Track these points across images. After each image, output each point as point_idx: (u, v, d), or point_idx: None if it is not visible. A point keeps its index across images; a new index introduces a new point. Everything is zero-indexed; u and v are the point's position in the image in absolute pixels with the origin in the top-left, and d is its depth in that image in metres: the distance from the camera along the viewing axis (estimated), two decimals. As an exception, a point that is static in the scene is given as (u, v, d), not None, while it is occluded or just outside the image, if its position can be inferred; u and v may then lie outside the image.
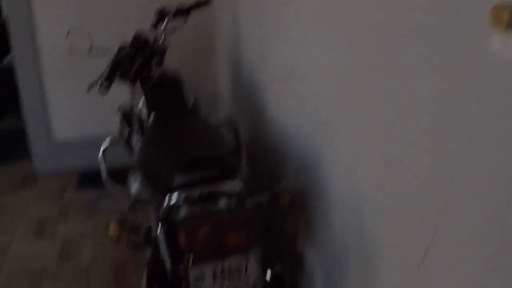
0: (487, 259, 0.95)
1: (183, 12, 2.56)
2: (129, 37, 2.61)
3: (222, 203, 1.68)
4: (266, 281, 1.70)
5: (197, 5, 2.58)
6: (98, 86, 2.54)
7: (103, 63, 3.20)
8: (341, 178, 1.65)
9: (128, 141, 2.86)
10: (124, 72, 2.52)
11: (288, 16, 2.01)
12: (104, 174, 2.82)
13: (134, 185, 2.52)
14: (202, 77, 3.32)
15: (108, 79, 2.53)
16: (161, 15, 2.57)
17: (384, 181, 1.35)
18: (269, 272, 1.71)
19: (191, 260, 1.56)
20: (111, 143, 2.84)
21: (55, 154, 3.45)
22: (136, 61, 2.50)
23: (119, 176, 2.71)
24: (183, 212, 1.64)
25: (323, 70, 1.72)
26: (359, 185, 1.51)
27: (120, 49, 2.56)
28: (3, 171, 3.56)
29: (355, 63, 1.46)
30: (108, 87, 2.55)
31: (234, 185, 1.70)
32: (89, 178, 3.38)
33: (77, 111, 3.43)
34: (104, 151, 2.77)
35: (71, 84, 3.33)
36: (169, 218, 1.69)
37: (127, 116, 2.99)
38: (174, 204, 1.67)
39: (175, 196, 1.67)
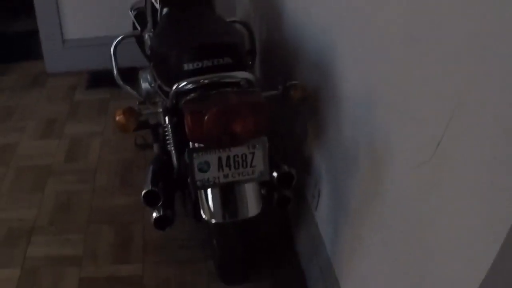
0: (503, 157, 0.83)
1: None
2: None
3: (231, 91, 1.57)
4: (273, 176, 1.61)
5: None
6: None
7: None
8: (355, 75, 1.52)
9: (140, 39, 2.75)
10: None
11: None
12: (114, 71, 2.72)
13: (144, 84, 2.44)
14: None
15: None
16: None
17: (397, 75, 1.22)
18: (275, 173, 1.63)
19: (196, 147, 1.47)
20: (123, 38, 2.73)
21: (66, 53, 3.35)
22: None
23: (130, 76, 2.64)
24: (190, 98, 1.53)
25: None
26: (372, 81, 1.39)
27: None
28: (15, 71, 3.49)
29: None
30: None
31: (245, 74, 1.58)
32: (99, 78, 3.29)
33: (89, 11, 3.29)
34: (115, 47, 2.66)
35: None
36: (175, 106, 1.59)
37: (141, 15, 2.87)
38: (181, 91, 1.56)
39: (182, 83, 1.55)
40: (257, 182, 1.57)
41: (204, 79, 1.55)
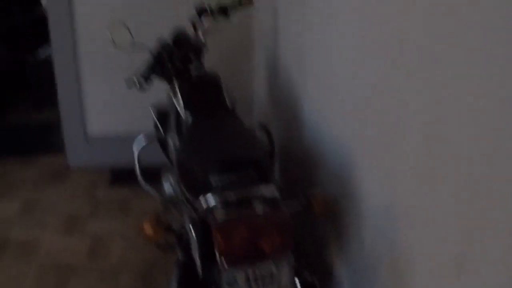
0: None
1: (224, 11, 2.50)
2: (167, 34, 2.57)
3: (257, 207, 1.61)
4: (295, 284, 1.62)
5: (239, 4, 2.51)
6: (135, 82, 2.52)
7: (141, 59, 3.21)
8: (377, 187, 1.57)
9: (162, 140, 2.82)
10: (162, 70, 2.48)
11: (329, 21, 1.94)
12: (137, 172, 2.79)
13: (167, 185, 2.49)
14: (238, 79, 3.25)
15: (145, 76, 2.50)
16: (201, 12, 2.51)
17: (420, 191, 1.27)
18: (297, 280, 1.65)
19: (224, 263, 1.49)
20: (146, 141, 2.80)
21: (88, 149, 3.43)
22: (175, 59, 2.46)
23: (153, 175, 2.70)
24: (218, 214, 1.57)
25: (363, 76, 1.64)
26: (394, 195, 1.44)
27: (159, 45, 2.53)
28: (37, 164, 3.55)
29: (397, 67, 1.38)
30: (145, 84, 2.53)
31: (270, 189, 1.63)
32: (121, 175, 3.35)
33: (113, 107, 3.41)
34: (138, 149, 2.74)
35: (108, 79, 3.32)
36: (203, 219, 1.63)
37: (162, 115, 2.96)
38: (208, 205, 1.60)
39: (210, 197, 1.60)
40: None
41: (230, 195, 1.60)
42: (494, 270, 0.98)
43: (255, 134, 2.17)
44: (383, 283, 1.54)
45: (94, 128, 3.42)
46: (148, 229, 1.71)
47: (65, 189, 3.25)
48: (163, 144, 2.98)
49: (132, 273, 2.52)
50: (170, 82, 2.51)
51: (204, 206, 1.62)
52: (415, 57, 1.27)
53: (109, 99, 3.38)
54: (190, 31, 2.54)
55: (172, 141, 2.42)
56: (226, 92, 2.35)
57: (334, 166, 1.92)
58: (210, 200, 1.61)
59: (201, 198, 1.63)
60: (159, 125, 2.98)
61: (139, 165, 2.76)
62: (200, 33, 2.49)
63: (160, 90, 2.94)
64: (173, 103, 2.40)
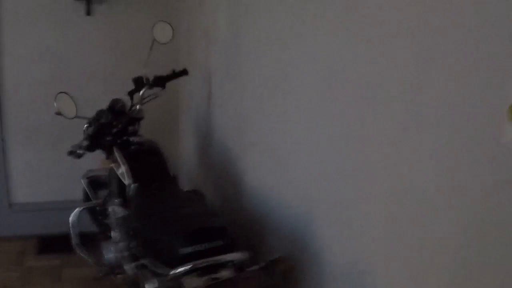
0: None
1: (160, 81, 2.61)
2: (101, 106, 2.64)
3: (225, 272, 1.71)
4: None
5: (175, 75, 2.63)
6: (74, 153, 2.56)
7: (65, 129, 3.24)
8: (336, 244, 1.71)
9: (93, 209, 2.85)
10: (102, 140, 2.54)
11: (274, 92, 2.11)
12: (73, 239, 2.78)
13: (108, 254, 2.50)
14: (165, 144, 3.37)
15: (85, 146, 2.55)
16: (138, 84, 2.61)
17: (382, 252, 1.42)
18: None
19: None
20: (82, 210, 2.81)
21: (13, 217, 3.34)
22: (113, 128, 2.53)
23: (87, 241, 2.71)
24: (190, 282, 1.65)
25: (311, 142, 1.81)
26: (357, 251, 1.58)
27: (98, 116, 2.58)
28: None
29: (346, 136, 1.56)
30: (84, 154, 2.58)
31: (238, 256, 1.73)
32: (49, 243, 3.30)
33: (38, 174, 3.38)
34: (73, 216, 2.74)
35: (32, 148, 3.30)
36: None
37: (94, 184, 2.99)
38: (180, 273, 1.67)
39: (181, 268, 1.67)
40: None
41: (202, 263, 1.69)
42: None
43: (210, 206, 2.27)
44: None
45: (18, 195, 3.35)
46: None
47: (-9, 260, 3.14)
48: (94, 213, 3.00)
49: None
50: (110, 152, 2.56)
51: (174, 275, 1.69)
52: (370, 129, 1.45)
53: (33, 167, 3.35)
54: (128, 101, 2.63)
55: (114, 209, 2.46)
56: (166, 159, 2.45)
57: (286, 228, 2.04)
58: (182, 269, 1.68)
59: (172, 271, 1.69)
60: (89, 192, 3.00)
61: (76, 236, 2.75)
62: (138, 102, 2.58)
63: (85, 159, 3.00)
64: (113, 172, 2.45)
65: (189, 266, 1.68)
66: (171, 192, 2.29)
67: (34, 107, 3.23)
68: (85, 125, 2.70)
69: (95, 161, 3.11)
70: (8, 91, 3.18)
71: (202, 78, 2.99)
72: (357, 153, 1.52)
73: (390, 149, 1.37)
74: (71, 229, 2.75)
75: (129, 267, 2.33)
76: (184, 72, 2.67)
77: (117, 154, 2.44)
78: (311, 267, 1.88)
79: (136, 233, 1.99)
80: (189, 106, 3.35)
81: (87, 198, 3.05)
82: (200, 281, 1.70)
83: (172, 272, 1.69)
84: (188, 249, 1.74)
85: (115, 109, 2.62)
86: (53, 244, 3.29)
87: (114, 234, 2.53)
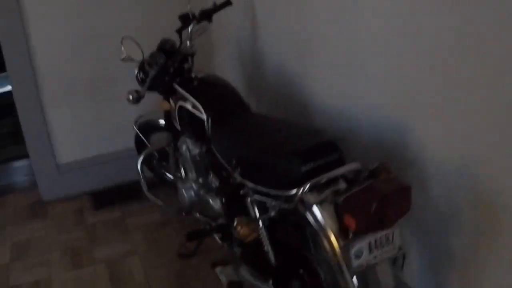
0: None
1: (207, 15, 2.55)
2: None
3: (343, 184, 1.70)
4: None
5: (220, 6, 2.57)
6: (132, 99, 2.52)
7: (99, 83, 3.17)
8: (438, 147, 1.74)
9: (148, 154, 2.83)
10: (162, 80, 2.50)
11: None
12: (144, 187, 2.77)
13: (188, 192, 2.50)
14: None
15: (143, 90, 2.52)
16: (185, 20, 2.54)
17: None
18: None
19: (354, 238, 1.56)
20: (149, 154, 2.80)
21: (61, 178, 3.30)
22: (169, 68, 2.48)
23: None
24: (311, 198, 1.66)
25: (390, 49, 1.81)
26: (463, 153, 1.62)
27: (150, 59, 2.53)
28: (8, 204, 3.36)
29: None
30: (142, 98, 2.55)
31: (354, 166, 1.72)
32: (102, 198, 3.28)
33: (79, 132, 3.31)
34: (142, 163, 2.73)
35: (71, 106, 3.22)
36: (297, 209, 1.70)
37: (147, 128, 2.95)
38: (304, 192, 1.66)
39: (307, 185, 1.66)
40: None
41: (327, 177, 1.69)
42: None
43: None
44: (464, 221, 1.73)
45: (64, 156, 3.29)
46: (243, 229, 1.76)
47: (50, 223, 3.10)
48: (149, 158, 2.98)
49: (165, 284, 2.50)
50: (169, 92, 2.52)
51: (299, 195, 1.68)
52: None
53: (74, 125, 3.27)
54: (177, 39, 2.56)
55: (188, 147, 2.43)
56: (236, 89, 2.42)
57: (377, 138, 2.04)
58: (305, 189, 1.65)
59: (295, 190, 1.68)
60: (142, 137, 2.97)
61: (145, 181, 2.75)
62: (187, 39, 2.52)
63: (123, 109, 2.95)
64: (183, 110, 2.39)
65: (315, 182, 1.67)
66: (258, 118, 2.28)
67: (65, 66, 3.13)
68: (136, 71, 2.65)
69: (135, 109, 3.08)
70: (38, 52, 3.06)
71: (243, 10, 2.92)
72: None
73: None
74: (140, 176, 2.73)
75: (215, 202, 2.34)
76: (228, 3, 2.61)
77: (182, 92, 2.40)
78: (413, 170, 1.91)
79: (239, 163, 1.96)
80: (228, 40, 3.27)
81: (139, 143, 3.03)
82: (323, 195, 1.69)
83: (296, 191, 1.68)
84: (309, 166, 1.73)
85: (166, 49, 2.56)
86: (108, 197, 3.28)
87: (189, 173, 2.52)
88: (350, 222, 1.53)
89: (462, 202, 1.72)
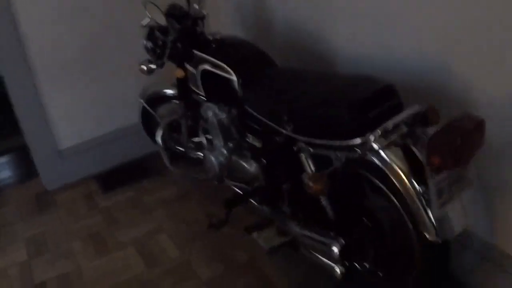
0: None
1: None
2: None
3: (404, 128, 1.67)
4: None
5: None
6: (146, 69, 2.44)
7: (93, 62, 3.00)
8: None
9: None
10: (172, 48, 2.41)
11: None
12: (166, 161, 2.68)
13: (216, 158, 2.40)
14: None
15: (159, 58, 2.42)
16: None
17: None
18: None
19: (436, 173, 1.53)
20: (165, 129, 2.69)
21: (64, 164, 3.12)
22: (183, 33, 2.38)
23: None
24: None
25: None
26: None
27: (159, 27, 2.42)
28: (13, 197, 3.17)
29: None
30: (157, 68, 2.46)
31: (417, 108, 1.68)
32: (110, 179, 3.15)
33: (78, 114, 3.13)
34: (163, 137, 2.63)
35: (66, 86, 3.03)
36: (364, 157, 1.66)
37: (152, 100, 2.84)
38: (376, 138, 1.62)
39: (377, 132, 1.62)
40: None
41: (395, 122, 1.64)
42: None
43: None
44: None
45: (65, 140, 3.11)
46: (316, 184, 1.70)
47: (62, 212, 2.94)
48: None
49: (205, 259, 2.43)
50: (185, 58, 2.41)
51: (369, 141, 1.63)
52: None
53: (72, 106, 3.09)
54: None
55: (217, 112, 2.32)
56: (258, 46, 2.33)
57: (421, 80, 2.01)
58: (375, 136, 1.61)
59: (364, 137, 1.63)
60: (150, 109, 2.86)
61: (167, 155, 2.65)
62: (194, 3, 2.41)
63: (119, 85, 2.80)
64: (205, 74, 2.29)
65: (384, 126, 1.62)
66: (292, 72, 2.20)
67: (58, 43, 2.93)
68: (144, 41, 2.52)
69: (133, 83, 2.96)
70: (27, 33, 2.85)
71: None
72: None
73: None
74: (161, 149, 2.63)
75: (250, 165, 2.26)
76: None
77: (203, 56, 2.28)
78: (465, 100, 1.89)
79: (291, 118, 1.88)
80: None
81: (146, 117, 2.92)
82: (389, 140, 1.65)
83: (366, 138, 1.64)
84: (375, 112, 1.68)
85: (176, 15, 2.44)
86: (116, 178, 3.14)
87: (215, 139, 2.42)
88: (436, 160, 1.49)
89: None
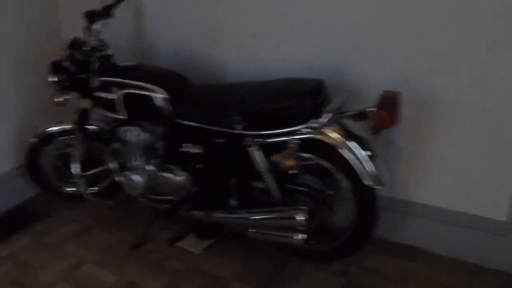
0: None
1: (108, 10, 2.64)
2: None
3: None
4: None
5: (115, 2, 2.69)
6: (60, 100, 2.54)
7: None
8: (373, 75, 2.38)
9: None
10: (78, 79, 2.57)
11: None
12: (85, 192, 2.73)
13: (143, 178, 2.55)
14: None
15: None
16: (91, 17, 2.58)
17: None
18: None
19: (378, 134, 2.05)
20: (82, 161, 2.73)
21: None
22: (90, 64, 2.54)
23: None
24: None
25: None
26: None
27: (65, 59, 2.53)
28: None
29: None
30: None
31: (346, 94, 2.23)
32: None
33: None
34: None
35: None
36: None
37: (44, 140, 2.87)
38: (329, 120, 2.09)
39: (329, 116, 2.08)
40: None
41: (337, 106, 2.15)
42: None
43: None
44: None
45: None
46: (290, 161, 2.05)
47: None
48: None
49: (144, 273, 2.52)
50: (89, 89, 2.57)
51: (322, 124, 2.08)
52: None
53: None
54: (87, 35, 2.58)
55: (141, 131, 2.51)
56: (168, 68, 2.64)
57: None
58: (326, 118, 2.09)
59: (316, 120, 2.08)
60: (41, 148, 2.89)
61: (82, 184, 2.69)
62: (96, 33, 2.57)
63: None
64: (127, 97, 2.46)
65: (330, 116, 2.09)
66: (212, 85, 2.55)
67: None
68: (50, 76, 2.57)
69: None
70: None
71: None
72: None
73: None
74: (78, 177, 2.68)
75: (180, 175, 2.47)
76: None
77: (123, 81, 2.44)
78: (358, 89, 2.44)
79: (243, 117, 2.17)
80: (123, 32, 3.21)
81: (32, 158, 2.94)
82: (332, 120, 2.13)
83: (319, 121, 2.08)
84: (319, 100, 2.13)
85: (79, 47, 2.57)
86: (5, 227, 2.98)
87: (136, 159, 2.58)
88: (384, 115, 1.99)
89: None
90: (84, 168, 2.78)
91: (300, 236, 2.24)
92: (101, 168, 2.82)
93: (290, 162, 2.06)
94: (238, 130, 2.21)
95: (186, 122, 2.36)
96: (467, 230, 2.44)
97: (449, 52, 2.18)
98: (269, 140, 2.19)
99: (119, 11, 2.75)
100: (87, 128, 2.74)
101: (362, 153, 2.08)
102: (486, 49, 2.11)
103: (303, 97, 2.09)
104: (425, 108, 2.31)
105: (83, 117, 2.68)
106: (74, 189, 3.03)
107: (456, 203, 2.44)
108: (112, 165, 2.69)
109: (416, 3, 2.18)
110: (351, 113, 2.14)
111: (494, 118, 2.20)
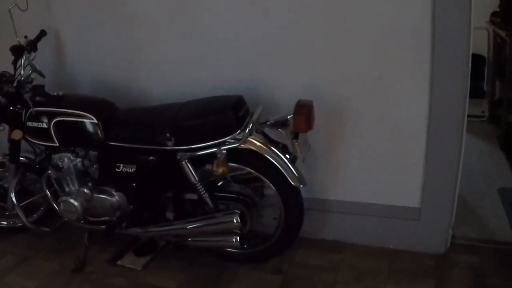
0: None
1: (32, 44, 2.75)
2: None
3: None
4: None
5: (38, 37, 2.82)
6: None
7: None
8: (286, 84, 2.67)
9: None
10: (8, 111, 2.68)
11: None
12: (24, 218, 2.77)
13: (79, 202, 2.65)
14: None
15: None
16: (17, 51, 2.68)
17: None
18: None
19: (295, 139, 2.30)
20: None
21: None
22: (20, 96, 2.64)
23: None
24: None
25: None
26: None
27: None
28: None
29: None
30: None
31: (261, 107, 2.49)
32: None
33: None
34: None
35: None
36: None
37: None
38: (251, 131, 2.31)
39: (250, 126, 2.32)
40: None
41: (257, 118, 2.39)
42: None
43: None
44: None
45: None
46: (223, 169, 2.25)
47: None
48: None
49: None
50: (19, 120, 2.67)
51: (245, 135, 2.30)
52: None
53: None
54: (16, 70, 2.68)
55: (71, 157, 2.62)
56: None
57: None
58: (251, 128, 2.32)
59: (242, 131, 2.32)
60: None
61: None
62: (25, 66, 2.69)
63: None
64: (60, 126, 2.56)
65: (252, 126, 2.32)
66: (141, 108, 2.69)
67: None
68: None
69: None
70: None
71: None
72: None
73: None
74: (17, 207, 2.73)
75: (118, 195, 2.59)
76: (43, 33, 2.85)
77: (54, 110, 2.54)
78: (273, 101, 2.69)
79: (173, 134, 2.33)
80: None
81: None
82: (256, 129, 2.37)
83: (243, 133, 2.30)
84: (242, 113, 2.35)
85: (6, 81, 2.65)
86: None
87: (70, 184, 2.67)
88: (302, 121, 2.24)
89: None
90: (18, 199, 2.83)
91: (238, 238, 2.42)
92: (36, 196, 2.88)
93: (221, 170, 2.25)
94: (170, 147, 2.37)
95: (118, 144, 2.50)
96: (384, 220, 2.72)
97: (352, 63, 2.49)
98: (199, 153, 2.37)
99: (40, 45, 2.85)
100: (19, 159, 2.80)
101: (285, 157, 2.32)
102: (383, 61, 2.43)
103: (226, 112, 2.31)
104: (335, 114, 2.59)
105: (15, 148, 2.75)
106: (5, 223, 3.10)
107: (372, 197, 2.72)
108: (48, 192, 2.76)
109: (315, 22, 2.48)
110: (270, 122, 2.36)
111: (391, 120, 2.53)
